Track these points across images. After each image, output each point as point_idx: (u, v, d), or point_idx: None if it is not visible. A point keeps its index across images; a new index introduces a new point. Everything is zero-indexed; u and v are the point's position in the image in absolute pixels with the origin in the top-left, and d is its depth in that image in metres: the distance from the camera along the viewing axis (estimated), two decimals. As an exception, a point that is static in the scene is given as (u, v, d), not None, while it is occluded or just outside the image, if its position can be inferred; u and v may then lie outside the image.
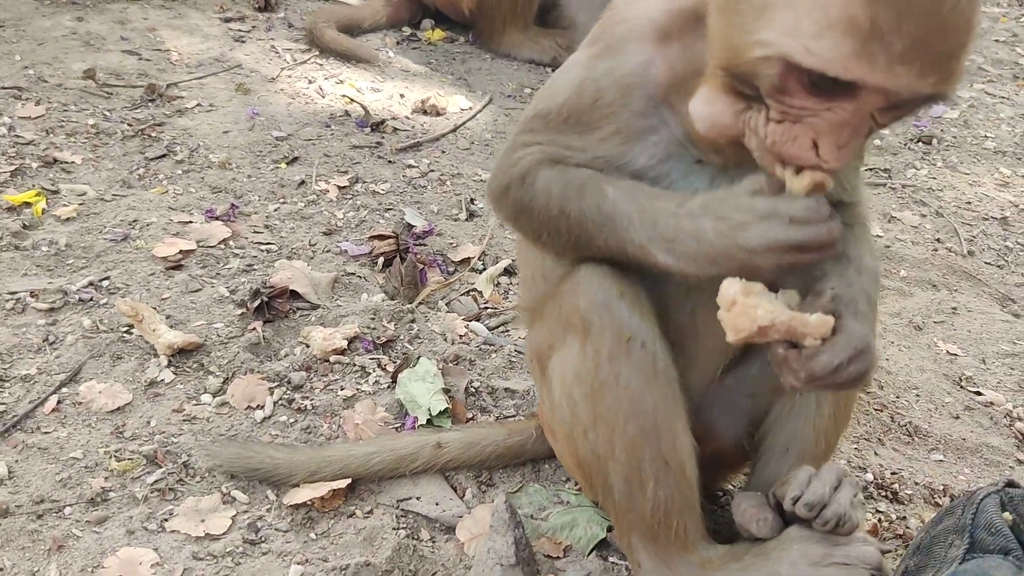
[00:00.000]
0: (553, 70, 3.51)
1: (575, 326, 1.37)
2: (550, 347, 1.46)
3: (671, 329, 1.39)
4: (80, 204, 2.32)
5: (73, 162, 2.50)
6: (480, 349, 2.04)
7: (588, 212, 1.27)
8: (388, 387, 1.88)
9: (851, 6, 0.96)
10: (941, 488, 1.85)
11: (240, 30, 3.41)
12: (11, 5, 3.32)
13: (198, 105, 2.85)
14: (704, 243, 1.18)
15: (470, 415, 1.85)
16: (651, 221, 1.22)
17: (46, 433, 1.67)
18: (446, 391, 1.84)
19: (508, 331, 2.12)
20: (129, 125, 2.70)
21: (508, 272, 2.32)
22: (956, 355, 2.29)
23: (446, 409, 1.79)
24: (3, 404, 1.72)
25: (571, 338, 1.39)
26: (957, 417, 2.07)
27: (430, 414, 1.78)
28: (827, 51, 0.97)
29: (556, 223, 1.31)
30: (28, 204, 2.29)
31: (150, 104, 2.83)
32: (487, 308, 2.20)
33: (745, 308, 1.12)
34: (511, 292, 2.28)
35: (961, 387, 2.18)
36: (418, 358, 1.93)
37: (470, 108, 3.13)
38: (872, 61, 0.97)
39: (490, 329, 2.12)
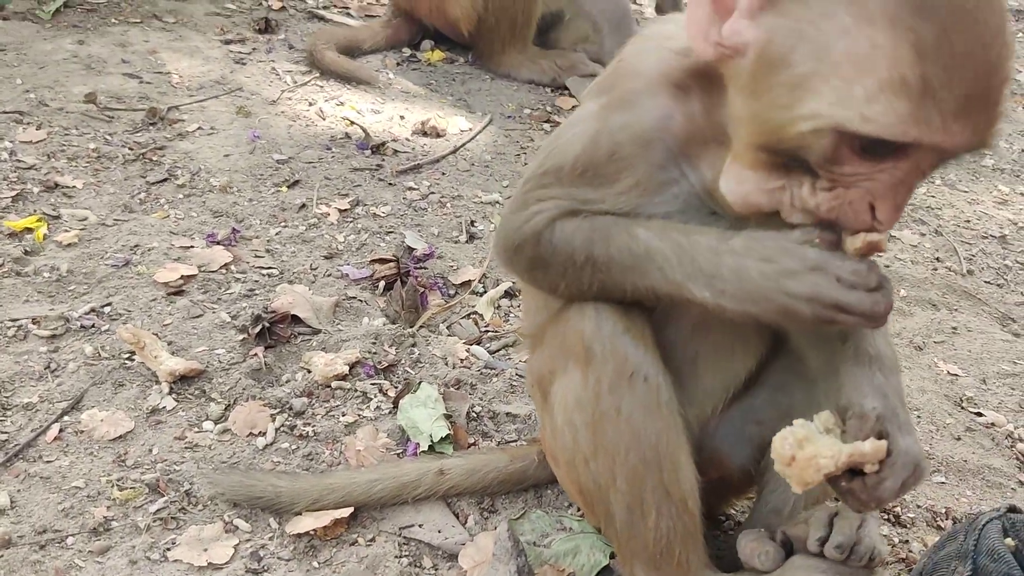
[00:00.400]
0: (552, 91, 3.54)
1: (577, 354, 1.37)
2: (551, 372, 1.46)
3: (672, 369, 1.39)
4: (81, 229, 2.32)
5: (74, 187, 2.51)
6: (481, 373, 2.04)
7: (617, 255, 1.26)
8: (389, 412, 1.88)
9: (900, 67, 0.95)
10: (943, 511, 1.85)
11: (241, 52, 3.42)
12: (12, 29, 3.34)
13: (199, 128, 2.86)
14: (747, 282, 1.16)
15: (472, 440, 1.85)
16: (689, 257, 1.21)
17: (48, 462, 1.67)
18: (447, 416, 1.85)
19: (509, 355, 2.13)
20: (130, 149, 2.71)
21: (509, 295, 2.33)
22: (957, 375, 2.30)
23: (448, 435, 1.79)
24: (5, 433, 1.72)
25: (573, 366, 1.39)
26: (958, 438, 2.07)
27: (432, 440, 1.78)
28: (882, 116, 0.97)
29: (579, 272, 1.30)
30: (30, 230, 2.29)
31: (151, 128, 2.84)
32: (488, 331, 2.21)
33: (807, 461, 1.12)
34: (511, 315, 2.28)
35: (962, 408, 2.18)
36: (419, 383, 1.93)
37: (470, 129, 3.14)
38: (928, 121, 0.96)
39: (491, 352, 2.13)
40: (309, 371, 1.96)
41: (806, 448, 1.13)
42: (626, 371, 1.33)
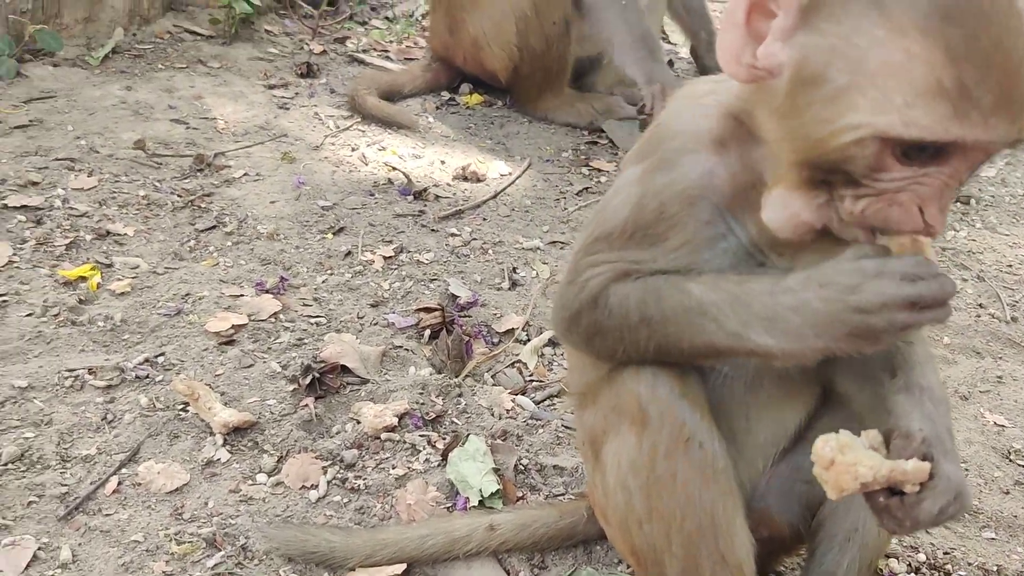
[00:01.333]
0: (589, 132, 3.57)
1: (632, 416, 1.38)
2: (604, 432, 1.46)
3: (723, 427, 1.40)
4: (133, 278, 2.37)
5: (126, 234, 2.56)
6: (527, 424, 2.06)
7: (671, 313, 1.27)
8: (438, 465, 1.90)
9: (936, 71, 1.00)
10: (995, 569, 1.83)
11: (284, 97, 3.49)
12: (63, 75, 3.42)
13: (245, 175, 2.92)
14: (808, 314, 1.15)
15: (520, 494, 1.87)
16: (744, 305, 1.21)
17: (108, 515, 1.71)
18: (496, 470, 1.86)
19: (554, 405, 2.14)
20: (179, 196, 2.76)
21: (552, 343, 2.35)
22: (1003, 426, 2.28)
23: (498, 490, 1.81)
24: (65, 485, 1.75)
25: (627, 428, 1.40)
26: (1007, 492, 2.06)
27: (482, 495, 1.79)
28: (923, 118, 1.01)
29: (635, 334, 1.31)
30: (84, 278, 2.34)
31: (199, 174, 2.90)
32: (532, 381, 2.22)
33: (846, 467, 1.11)
34: (555, 364, 2.30)
35: (1010, 460, 2.16)
36: (467, 436, 1.95)
37: (509, 174, 3.18)
38: (967, 118, 1.01)
39: (536, 403, 2.14)
40: (358, 422, 1.98)
41: (847, 454, 1.12)
42: (682, 437, 1.34)
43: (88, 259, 2.43)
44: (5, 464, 1.78)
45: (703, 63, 4.12)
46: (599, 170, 3.29)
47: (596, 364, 1.51)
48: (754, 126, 1.20)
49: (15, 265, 2.38)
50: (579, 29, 3.44)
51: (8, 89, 3.25)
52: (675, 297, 1.27)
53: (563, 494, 1.88)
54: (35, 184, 2.73)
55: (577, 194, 3.12)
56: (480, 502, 1.80)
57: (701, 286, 1.26)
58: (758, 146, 1.21)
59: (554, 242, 2.82)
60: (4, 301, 2.22)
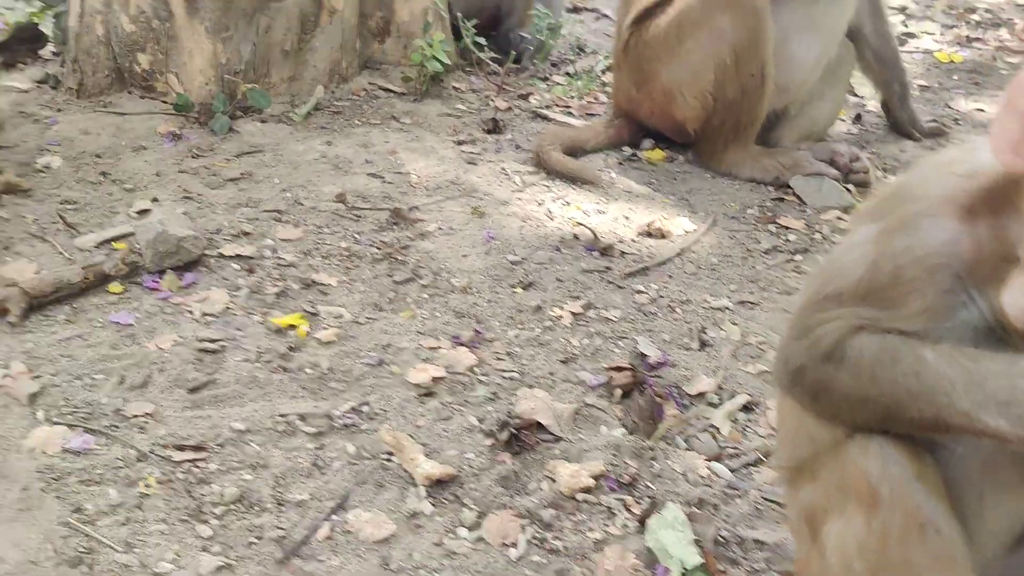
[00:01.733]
0: (775, 189, 3.51)
1: (860, 495, 1.34)
2: (825, 511, 1.42)
3: (955, 507, 1.34)
4: (338, 327, 2.49)
5: (329, 284, 2.69)
6: (724, 493, 2.02)
7: (902, 378, 1.23)
8: (635, 531, 1.89)
9: None
10: None
11: (472, 152, 3.60)
12: (270, 131, 3.65)
13: (438, 228, 3.02)
14: None
15: (720, 568, 1.82)
16: (978, 384, 1.18)
17: (320, 561, 1.78)
18: (696, 541, 1.83)
19: (751, 474, 2.09)
20: (377, 248, 2.88)
21: (746, 408, 2.30)
22: None
23: (701, 563, 1.77)
24: (281, 529, 1.84)
25: (853, 507, 1.35)
26: None
27: (684, 567, 1.76)
28: None
29: (863, 393, 1.28)
30: (293, 326, 2.48)
31: (395, 227, 3.02)
32: (727, 447, 2.18)
33: None
34: (749, 430, 2.25)
35: None
36: (665, 503, 1.92)
37: (694, 230, 3.15)
38: None
39: (732, 470, 2.10)
40: (553, 480, 2.00)
41: None
42: (917, 521, 1.29)
43: (296, 307, 2.57)
44: (228, 504, 1.89)
45: (895, 116, 3.98)
46: (787, 227, 3.22)
47: (813, 438, 1.47)
48: (1020, 201, 1.15)
49: (231, 312, 2.54)
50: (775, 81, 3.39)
51: (222, 144, 3.50)
52: (908, 361, 1.24)
53: (765, 570, 1.83)
54: (247, 234, 2.91)
55: (765, 252, 3.06)
56: (682, 574, 1.77)
57: (937, 355, 1.22)
58: (1016, 220, 1.16)
59: (743, 302, 2.77)
60: (223, 346, 2.38)
